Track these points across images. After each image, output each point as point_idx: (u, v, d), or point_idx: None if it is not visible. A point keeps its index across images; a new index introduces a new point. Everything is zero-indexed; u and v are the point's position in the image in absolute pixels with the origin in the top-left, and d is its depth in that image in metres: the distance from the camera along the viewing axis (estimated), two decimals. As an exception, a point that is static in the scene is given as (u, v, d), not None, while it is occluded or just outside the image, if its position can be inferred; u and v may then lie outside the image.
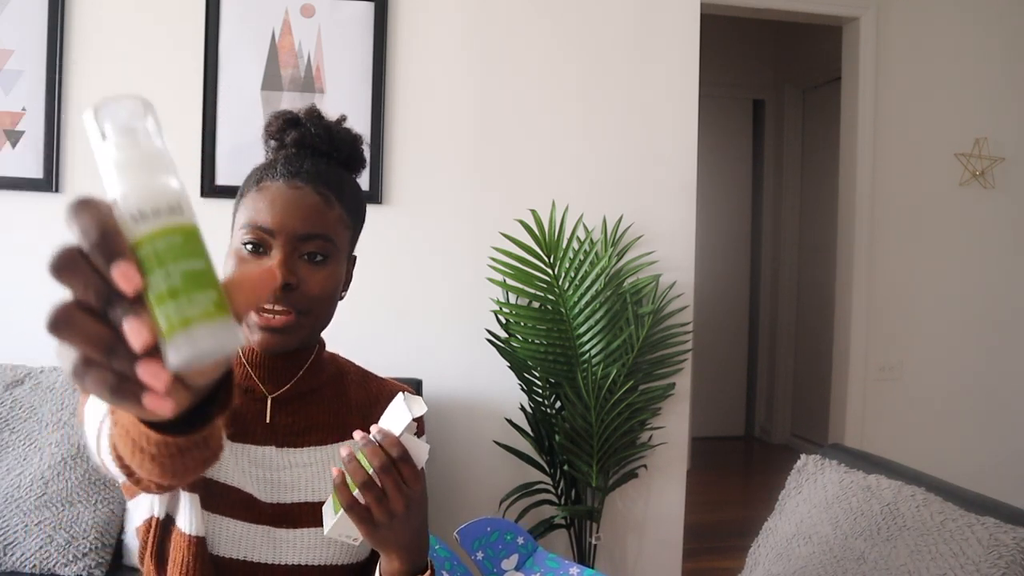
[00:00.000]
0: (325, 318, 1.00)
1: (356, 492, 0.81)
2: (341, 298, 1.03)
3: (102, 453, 0.76)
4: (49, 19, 2.17)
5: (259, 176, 0.98)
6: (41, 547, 1.80)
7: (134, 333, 0.39)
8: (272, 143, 1.03)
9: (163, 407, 0.40)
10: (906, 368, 3.37)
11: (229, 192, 2.22)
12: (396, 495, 0.81)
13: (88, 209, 0.39)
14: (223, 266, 0.96)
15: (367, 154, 1.07)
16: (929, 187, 3.36)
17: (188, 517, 0.92)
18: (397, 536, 0.84)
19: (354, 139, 1.05)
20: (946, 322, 3.37)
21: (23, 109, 2.17)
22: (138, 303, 0.39)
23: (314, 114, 1.03)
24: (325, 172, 0.98)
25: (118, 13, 2.22)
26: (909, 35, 3.32)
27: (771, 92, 5.30)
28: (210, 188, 2.24)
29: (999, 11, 3.35)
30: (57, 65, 2.17)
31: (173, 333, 0.39)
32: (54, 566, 1.80)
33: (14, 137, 2.17)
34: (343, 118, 1.06)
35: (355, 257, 1.06)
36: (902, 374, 3.37)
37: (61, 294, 0.39)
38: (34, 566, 1.80)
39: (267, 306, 0.93)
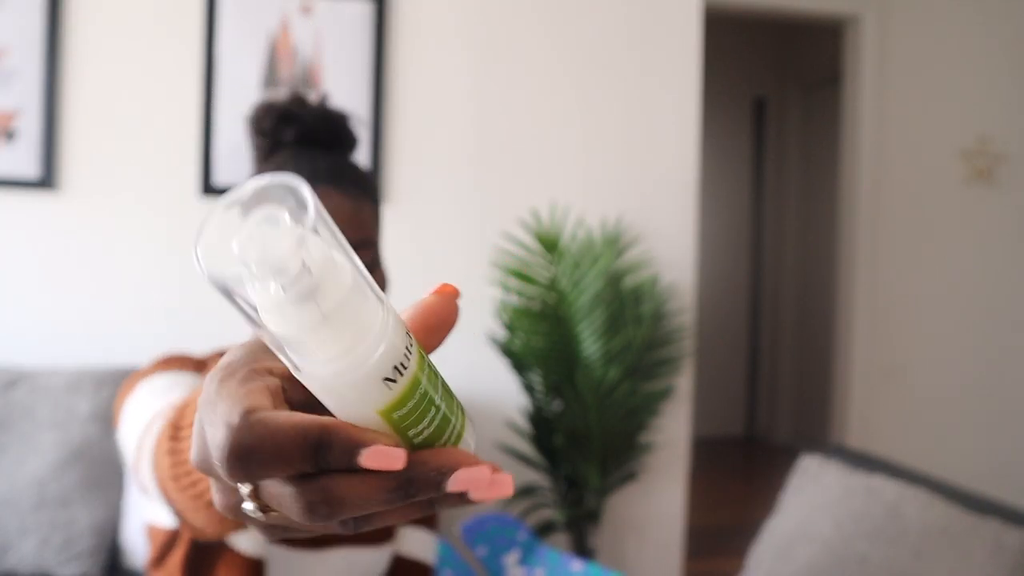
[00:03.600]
0: None
1: None
2: None
3: (142, 471, 0.71)
4: (46, 16, 2.16)
5: None
6: (38, 549, 1.79)
7: (484, 487, 0.32)
8: (259, 139, 0.92)
9: (508, 488, 0.33)
10: (909, 368, 3.35)
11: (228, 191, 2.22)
12: None
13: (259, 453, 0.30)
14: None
15: (358, 132, 0.98)
16: (932, 185, 3.34)
17: (251, 536, 0.84)
18: None
19: (346, 119, 0.94)
20: (950, 321, 3.36)
21: (20, 107, 2.16)
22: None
23: (300, 101, 0.92)
24: (342, 169, 0.88)
25: (116, 10, 2.21)
26: (912, 32, 3.31)
27: (772, 91, 5.28)
28: (209, 187, 2.23)
29: (1003, 7, 3.33)
30: (54, 63, 2.17)
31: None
32: (51, 568, 1.79)
33: (11, 135, 2.16)
34: (325, 97, 0.96)
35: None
36: (905, 374, 3.35)
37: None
38: (31, 568, 1.79)
39: None
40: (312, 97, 0.95)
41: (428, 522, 1.05)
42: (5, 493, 1.83)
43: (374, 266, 0.88)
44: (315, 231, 0.29)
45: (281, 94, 0.94)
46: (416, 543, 1.02)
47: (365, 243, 0.86)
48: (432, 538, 1.05)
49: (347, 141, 0.94)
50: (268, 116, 0.90)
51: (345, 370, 0.31)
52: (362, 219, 0.86)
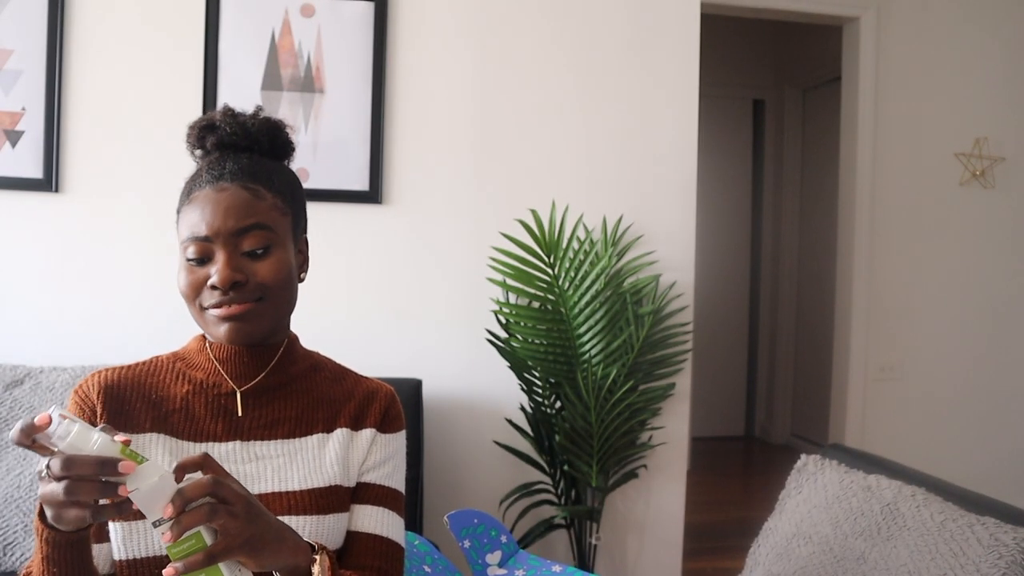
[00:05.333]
0: (285, 303, 1.03)
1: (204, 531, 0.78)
2: (301, 280, 1.07)
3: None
4: (49, 19, 2.17)
5: (189, 188, 1.04)
6: (41, 547, 1.80)
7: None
8: (197, 152, 1.09)
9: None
10: (906, 368, 3.37)
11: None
12: (226, 495, 0.79)
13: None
14: (176, 279, 1.02)
15: (293, 137, 1.12)
16: (929, 187, 3.36)
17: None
18: (265, 528, 0.82)
19: (272, 127, 1.08)
20: (946, 322, 3.37)
21: (23, 109, 2.17)
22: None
23: (228, 113, 1.07)
24: (248, 167, 1.03)
25: (118, 13, 2.22)
26: (909, 35, 3.33)
27: (771, 92, 5.30)
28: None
29: (999, 11, 3.35)
30: (57, 65, 2.17)
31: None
32: (54, 566, 1.80)
33: (14, 137, 2.17)
34: (259, 109, 1.09)
35: (307, 239, 1.11)
36: (902, 374, 3.37)
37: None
38: (34, 566, 1.80)
39: (222, 299, 0.97)
40: (250, 111, 1.09)
41: (387, 502, 1.06)
42: (8, 491, 1.84)
43: (269, 251, 1.00)
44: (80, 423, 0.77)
45: (217, 111, 1.10)
46: (368, 519, 1.04)
47: (257, 227, 0.99)
48: (392, 517, 1.06)
49: (263, 147, 1.08)
50: (194, 130, 1.09)
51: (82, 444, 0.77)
52: (256, 208, 1.00)
